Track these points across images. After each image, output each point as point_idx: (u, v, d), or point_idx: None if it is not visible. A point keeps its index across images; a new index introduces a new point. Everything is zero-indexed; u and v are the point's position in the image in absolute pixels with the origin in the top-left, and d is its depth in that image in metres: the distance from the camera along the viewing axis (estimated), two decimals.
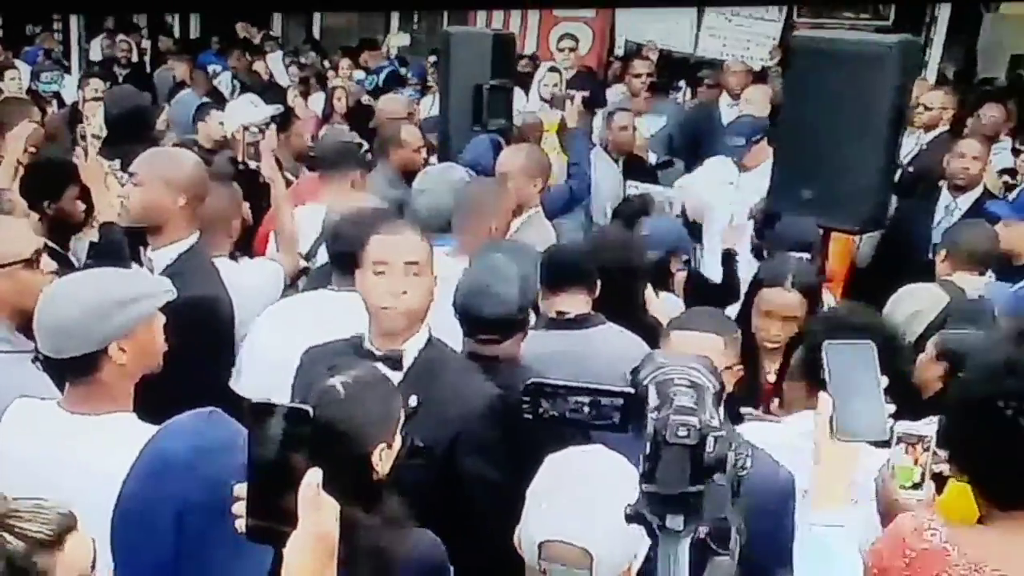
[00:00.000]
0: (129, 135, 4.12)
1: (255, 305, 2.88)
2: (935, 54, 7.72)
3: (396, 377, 2.11)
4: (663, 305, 3.24)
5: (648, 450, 1.08)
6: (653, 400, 1.13)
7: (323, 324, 2.42)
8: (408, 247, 2.22)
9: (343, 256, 2.62)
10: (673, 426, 1.05)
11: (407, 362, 2.19)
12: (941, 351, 2.57)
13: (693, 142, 5.57)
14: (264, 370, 2.59)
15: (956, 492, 1.77)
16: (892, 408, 1.47)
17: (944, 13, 7.60)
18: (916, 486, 1.65)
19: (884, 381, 1.46)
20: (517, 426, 1.71)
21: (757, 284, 3.00)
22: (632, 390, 1.19)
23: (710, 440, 1.05)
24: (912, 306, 3.18)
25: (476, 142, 4.24)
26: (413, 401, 2.10)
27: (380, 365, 2.10)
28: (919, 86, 5.71)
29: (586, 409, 1.20)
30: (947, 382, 2.36)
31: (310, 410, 1.19)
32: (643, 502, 1.08)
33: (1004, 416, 1.48)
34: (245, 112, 4.81)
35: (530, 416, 1.24)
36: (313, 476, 1.16)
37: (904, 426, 1.66)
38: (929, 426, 1.69)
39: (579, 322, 2.71)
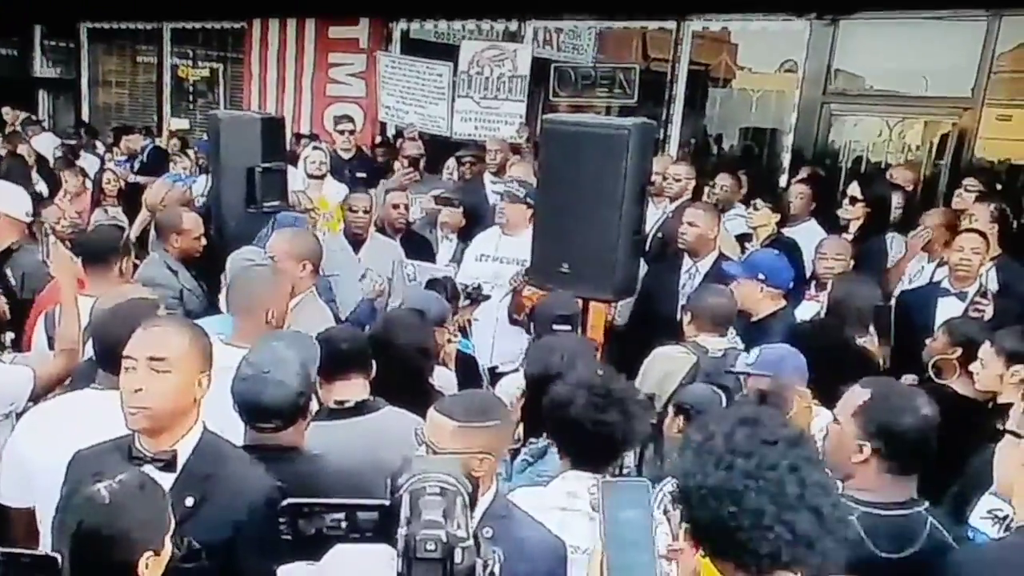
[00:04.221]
0: None
1: None
2: (675, 129, 8.35)
3: (170, 479, 2.05)
4: (440, 379, 3.30)
5: (401, 565, 1.11)
6: (405, 511, 1.16)
7: (88, 426, 2.30)
8: (152, 342, 2.12)
9: (106, 352, 2.50)
10: (421, 541, 1.10)
11: (181, 461, 2.12)
12: (677, 406, 2.79)
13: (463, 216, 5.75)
14: (26, 477, 2.45)
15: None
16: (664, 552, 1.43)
17: (680, 91, 8.26)
18: None
19: (659, 518, 1.43)
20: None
21: None
22: (387, 502, 1.21)
23: (458, 552, 1.10)
24: (663, 367, 3.41)
25: None
26: (189, 502, 2.04)
27: (151, 467, 2.03)
28: (664, 161, 6.23)
29: (343, 524, 1.23)
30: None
31: (58, 557, 1.14)
32: None
33: (748, 497, 1.49)
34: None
35: (289, 537, 1.26)
36: None
37: None
38: None
39: (359, 409, 2.70)
